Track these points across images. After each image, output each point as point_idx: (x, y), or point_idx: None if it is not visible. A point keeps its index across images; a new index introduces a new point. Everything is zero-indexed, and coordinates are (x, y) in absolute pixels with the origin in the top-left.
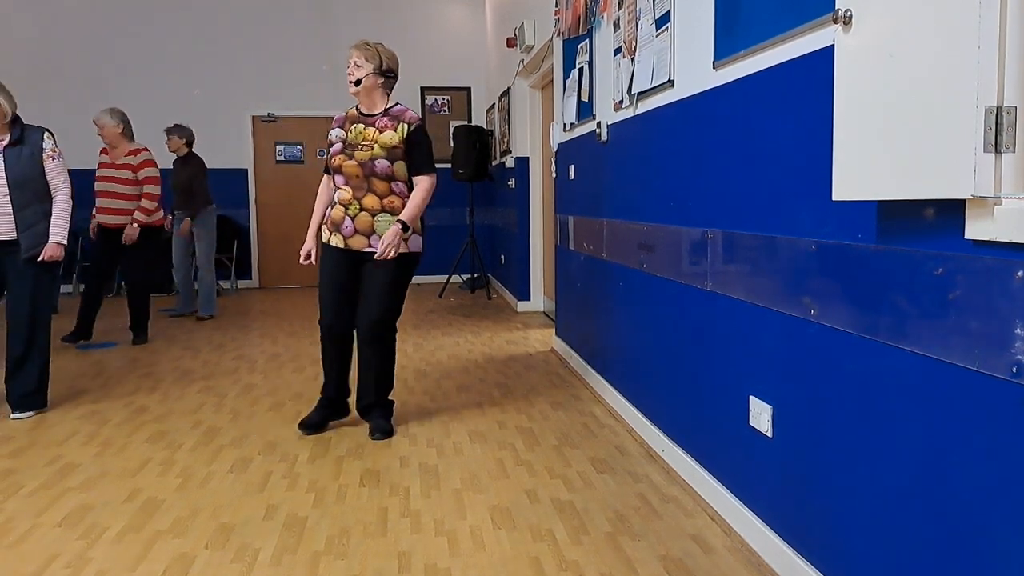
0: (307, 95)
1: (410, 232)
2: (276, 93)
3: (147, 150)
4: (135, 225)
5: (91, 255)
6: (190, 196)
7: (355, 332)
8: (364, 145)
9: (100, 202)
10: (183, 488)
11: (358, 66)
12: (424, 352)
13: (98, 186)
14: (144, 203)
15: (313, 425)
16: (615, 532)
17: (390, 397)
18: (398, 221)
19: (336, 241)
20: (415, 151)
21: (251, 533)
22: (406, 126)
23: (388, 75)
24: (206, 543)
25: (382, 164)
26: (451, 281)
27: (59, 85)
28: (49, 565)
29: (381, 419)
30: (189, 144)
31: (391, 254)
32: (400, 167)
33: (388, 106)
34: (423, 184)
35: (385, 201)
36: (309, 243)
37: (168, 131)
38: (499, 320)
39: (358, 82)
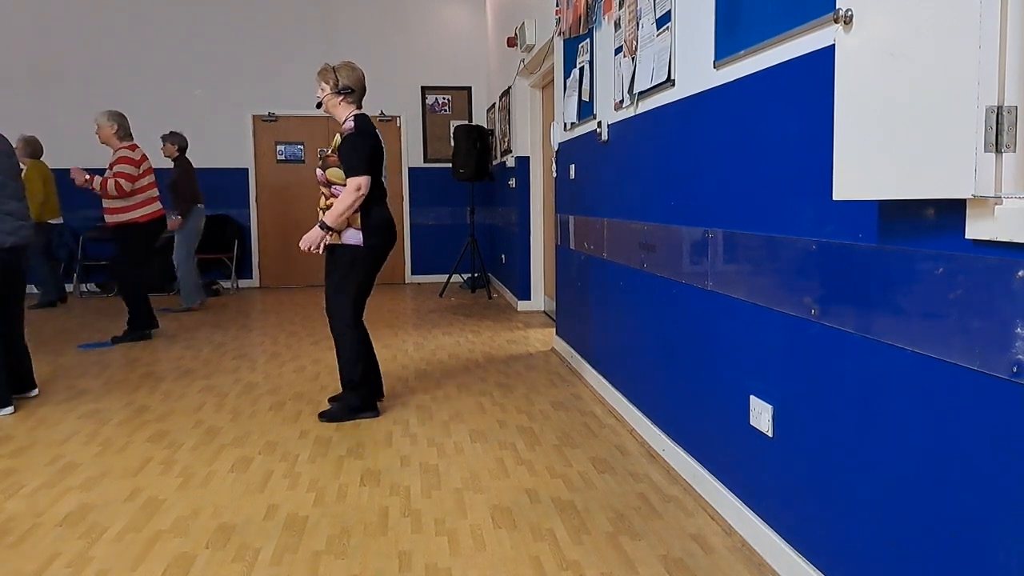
0: (308, 94)
1: (332, 231)
2: (277, 92)
3: (129, 148)
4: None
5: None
6: (176, 196)
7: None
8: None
9: (103, 204)
10: (184, 488)
11: (321, 89)
12: (425, 352)
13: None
14: (111, 193)
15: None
16: (616, 532)
17: (359, 386)
18: (320, 221)
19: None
20: (343, 158)
21: (252, 533)
22: (339, 137)
23: (345, 91)
24: (207, 543)
25: (319, 173)
26: (452, 280)
27: (59, 85)
28: (50, 564)
29: (335, 402)
30: (181, 149)
31: (303, 247)
32: (333, 173)
33: (345, 119)
34: (347, 185)
35: (328, 202)
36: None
37: (163, 138)
38: (500, 319)
39: (319, 104)
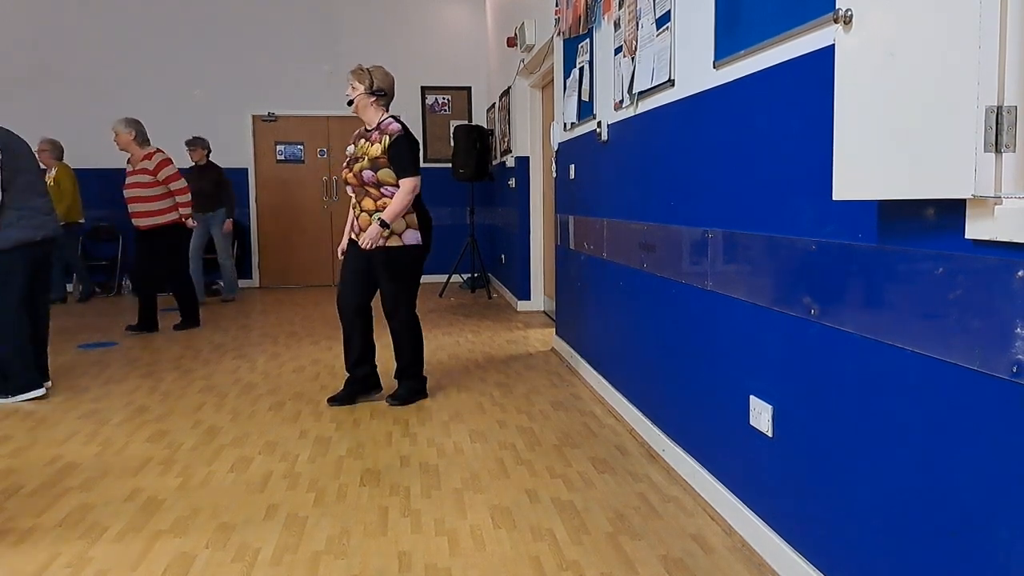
0: (308, 95)
1: (390, 228)
2: (276, 92)
3: (160, 151)
4: (188, 221)
5: (134, 258)
6: (216, 199)
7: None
8: (360, 157)
9: (129, 208)
10: (183, 488)
11: (353, 88)
12: (425, 352)
13: (125, 193)
14: (179, 199)
15: (339, 399)
16: (615, 532)
17: (420, 372)
18: (379, 218)
19: (354, 237)
20: (394, 159)
21: (251, 532)
22: (388, 138)
23: (379, 94)
24: (206, 543)
25: (367, 174)
26: (451, 280)
27: (59, 86)
28: (50, 565)
29: (400, 388)
30: (209, 153)
31: (367, 245)
32: (384, 174)
33: (380, 120)
34: (403, 186)
35: (379, 203)
36: (343, 241)
37: (190, 143)
38: (499, 320)
39: (350, 102)
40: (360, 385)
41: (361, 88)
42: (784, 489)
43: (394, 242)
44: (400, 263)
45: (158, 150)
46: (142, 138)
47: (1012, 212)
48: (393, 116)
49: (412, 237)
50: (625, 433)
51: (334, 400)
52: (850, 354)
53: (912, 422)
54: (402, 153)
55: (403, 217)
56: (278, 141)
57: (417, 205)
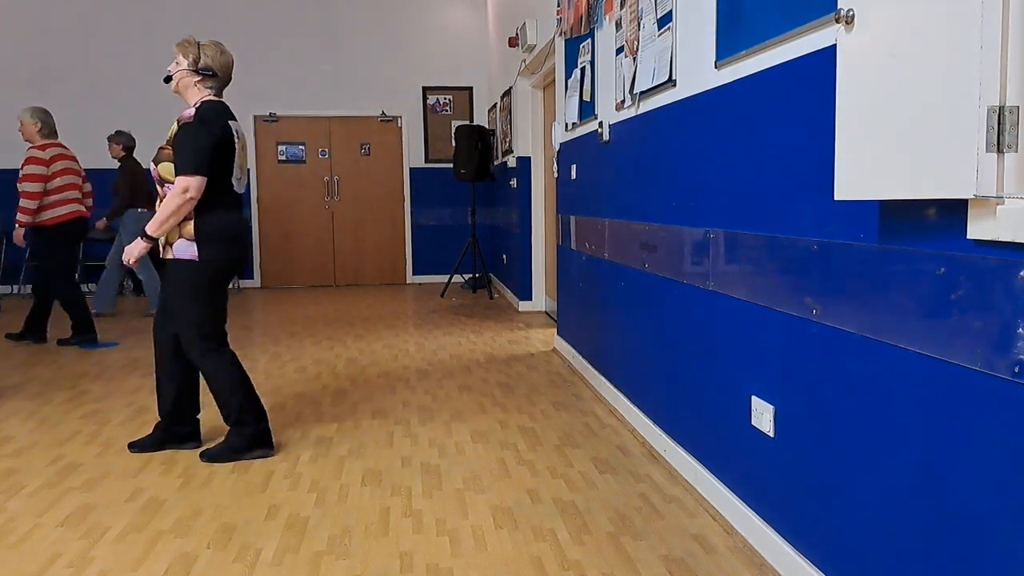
0: (309, 95)
1: (155, 240)
2: (278, 93)
3: (39, 148)
4: (16, 226)
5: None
6: (116, 199)
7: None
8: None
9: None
10: (185, 488)
11: (176, 63)
12: (426, 352)
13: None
14: (21, 202)
15: (139, 446)
16: (617, 532)
17: (246, 420)
18: (141, 230)
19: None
20: (175, 151)
21: (253, 533)
22: (175, 125)
23: (205, 72)
24: (208, 543)
25: (152, 169)
26: (453, 281)
27: (59, 85)
28: (51, 565)
29: (223, 440)
30: (127, 149)
31: (125, 261)
32: (164, 169)
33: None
34: (175, 185)
35: (158, 205)
36: None
37: (109, 138)
38: (501, 320)
39: (168, 79)
40: (166, 434)
41: (184, 64)
42: (786, 489)
43: (168, 253)
44: (172, 281)
45: (40, 147)
46: (48, 130)
47: (1014, 212)
48: (210, 100)
49: (184, 250)
50: (626, 433)
51: (135, 446)
52: (852, 354)
53: (913, 422)
54: (183, 143)
55: (178, 225)
56: (279, 141)
57: (208, 210)
